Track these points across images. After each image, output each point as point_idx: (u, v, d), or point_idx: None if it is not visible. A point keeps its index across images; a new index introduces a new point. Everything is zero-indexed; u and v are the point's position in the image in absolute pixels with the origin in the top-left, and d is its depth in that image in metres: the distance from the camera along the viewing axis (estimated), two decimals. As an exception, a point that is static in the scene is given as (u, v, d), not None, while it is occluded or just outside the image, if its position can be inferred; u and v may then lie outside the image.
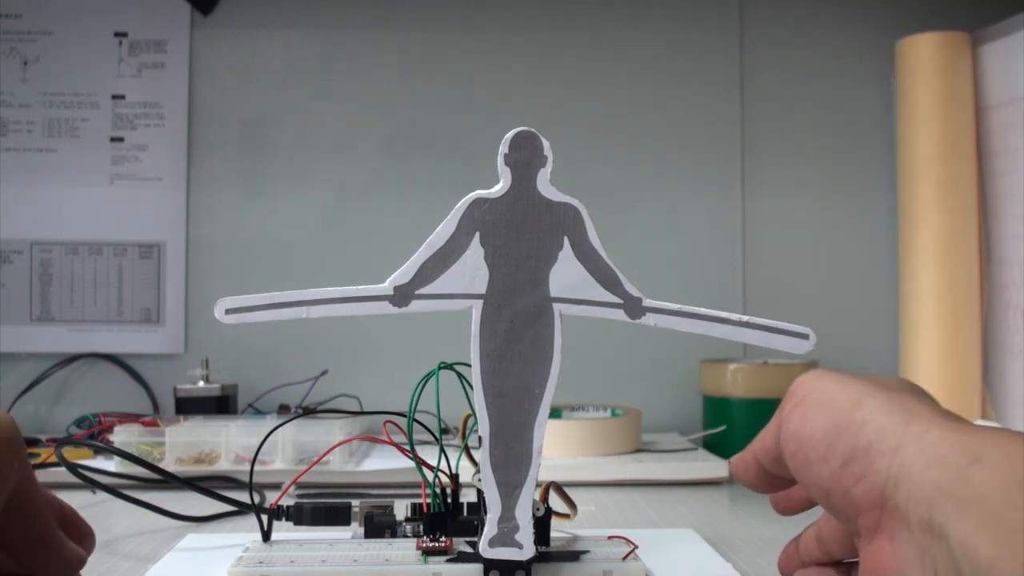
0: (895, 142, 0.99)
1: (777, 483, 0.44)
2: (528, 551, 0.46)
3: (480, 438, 0.46)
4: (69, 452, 0.82)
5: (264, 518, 0.52)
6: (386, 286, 0.46)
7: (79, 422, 0.98)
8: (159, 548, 0.58)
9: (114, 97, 1.11)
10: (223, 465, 0.78)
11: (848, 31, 1.13)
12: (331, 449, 0.66)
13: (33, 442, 0.89)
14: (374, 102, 1.11)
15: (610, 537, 0.53)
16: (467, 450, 0.51)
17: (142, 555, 0.52)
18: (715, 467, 0.81)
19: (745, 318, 0.47)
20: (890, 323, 1.03)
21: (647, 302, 0.47)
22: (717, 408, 0.95)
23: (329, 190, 1.09)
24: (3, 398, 1.06)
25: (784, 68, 1.13)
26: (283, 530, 0.53)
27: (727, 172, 1.12)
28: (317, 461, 0.61)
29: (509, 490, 0.46)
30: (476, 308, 0.46)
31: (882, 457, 0.35)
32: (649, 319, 0.47)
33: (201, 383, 0.99)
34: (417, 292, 0.46)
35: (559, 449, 0.84)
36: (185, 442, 0.79)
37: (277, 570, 0.47)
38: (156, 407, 1.07)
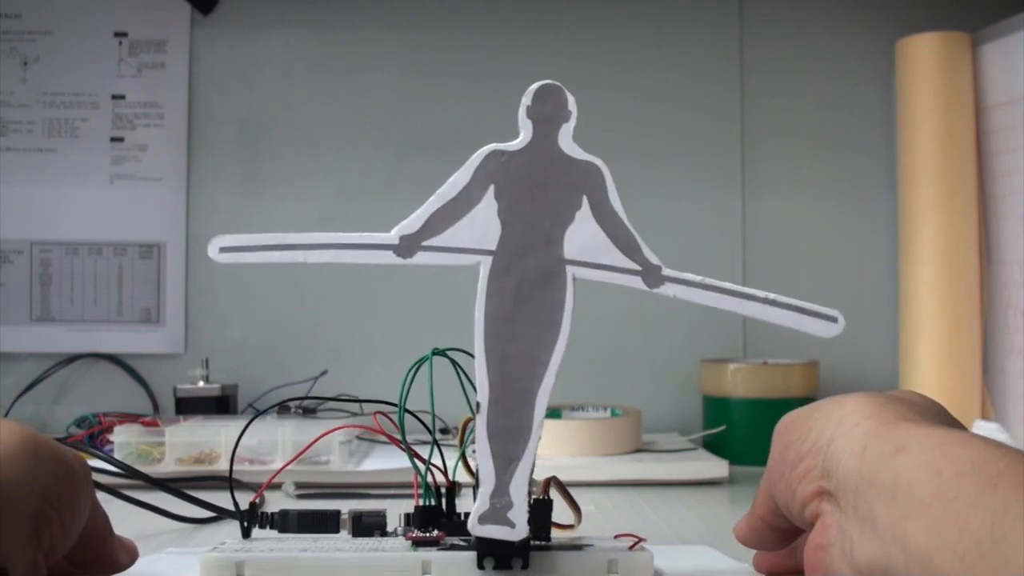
0: (895, 142, 0.99)
1: (788, 533, 0.43)
2: (521, 531, 0.43)
3: (478, 404, 0.43)
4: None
5: (246, 519, 0.49)
6: (392, 235, 0.44)
7: (79, 422, 0.98)
8: (149, 549, 0.57)
9: (114, 97, 1.11)
10: (223, 465, 0.77)
11: (848, 31, 1.13)
12: (315, 440, 0.63)
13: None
14: (374, 102, 1.11)
15: (617, 536, 0.50)
16: (464, 458, 0.48)
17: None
18: (715, 467, 0.81)
19: (772, 296, 0.45)
20: (890, 323, 1.03)
21: (667, 271, 0.45)
22: (717, 408, 0.95)
23: (329, 190, 1.09)
24: (3, 398, 1.06)
25: (784, 68, 1.13)
26: (268, 539, 0.51)
27: (727, 171, 1.12)
28: (298, 456, 0.59)
29: (505, 463, 0.43)
30: (484, 265, 0.44)
31: (819, 452, 0.36)
32: (668, 289, 0.45)
33: (201, 383, 0.99)
34: (424, 243, 0.44)
35: (559, 449, 0.84)
36: (185, 442, 0.79)
37: (253, 556, 0.45)
38: (156, 407, 1.07)
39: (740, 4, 1.13)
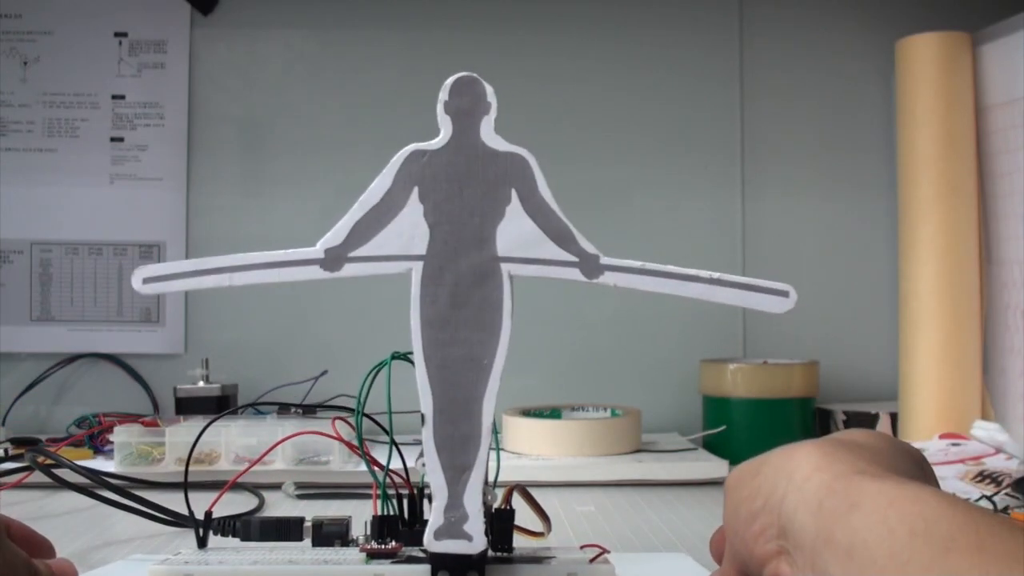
0: (895, 142, 0.98)
1: None
2: (479, 544, 0.41)
3: (423, 416, 0.42)
4: (70, 451, 0.82)
5: (202, 528, 0.48)
6: (317, 249, 0.43)
7: (79, 422, 0.98)
8: (125, 552, 0.57)
9: (114, 97, 1.11)
10: (223, 465, 0.77)
11: (848, 31, 1.13)
12: (270, 448, 0.62)
13: (33, 441, 0.89)
14: (374, 102, 1.11)
15: (583, 547, 0.48)
16: None
17: (93, 561, 0.52)
18: (715, 467, 0.81)
19: (716, 275, 0.43)
20: (890, 323, 1.03)
21: (605, 260, 0.43)
22: (717, 408, 0.95)
23: (329, 190, 1.09)
24: (3, 398, 1.06)
25: (784, 68, 1.13)
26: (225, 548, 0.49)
27: (727, 171, 1.12)
28: (255, 463, 0.58)
29: (456, 474, 0.41)
30: (416, 270, 0.42)
31: (773, 510, 0.34)
32: (608, 278, 0.42)
33: (201, 383, 0.99)
34: (350, 255, 0.43)
35: (559, 449, 0.84)
36: (185, 442, 0.79)
37: (200, 569, 0.44)
38: (156, 407, 1.07)
39: (740, 4, 1.13)
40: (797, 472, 0.34)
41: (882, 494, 0.30)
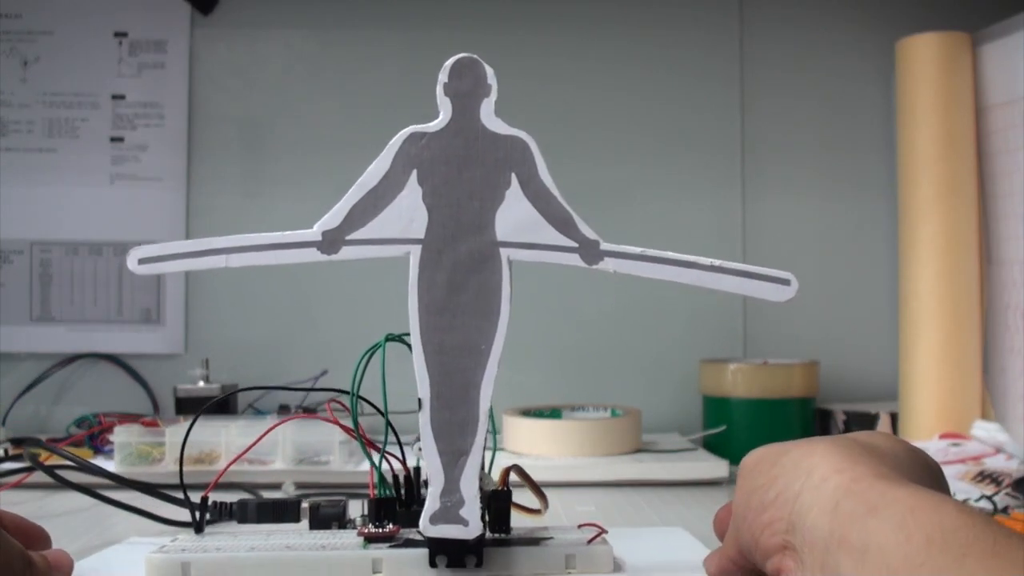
0: (895, 142, 0.99)
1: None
2: (475, 528, 0.41)
3: (420, 400, 0.42)
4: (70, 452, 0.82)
5: (198, 512, 0.49)
6: (314, 231, 0.43)
7: (79, 422, 0.98)
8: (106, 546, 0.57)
9: (114, 97, 1.11)
10: (223, 465, 0.77)
11: (848, 31, 1.13)
12: (264, 434, 0.61)
13: (33, 441, 0.89)
14: (374, 102, 1.11)
15: (580, 526, 0.48)
16: None
17: (87, 550, 0.52)
18: (715, 467, 0.81)
19: (717, 262, 0.43)
20: (890, 323, 1.03)
21: (605, 246, 0.43)
22: (717, 408, 0.95)
23: (329, 190, 1.08)
24: (3, 398, 1.06)
25: (784, 68, 1.13)
26: (221, 533, 0.50)
27: (727, 171, 1.12)
28: (246, 451, 0.58)
29: (453, 459, 0.41)
30: (414, 254, 0.42)
31: (785, 505, 0.35)
32: (608, 264, 0.43)
33: (201, 383, 0.99)
34: (347, 237, 0.43)
35: (559, 449, 0.84)
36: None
37: (199, 556, 0.43)
38: (156, 407, 1.07)
39: (740, 4, 1.13)
40: (815, 471, 0.34)
41: (902, 500, 0.30)
